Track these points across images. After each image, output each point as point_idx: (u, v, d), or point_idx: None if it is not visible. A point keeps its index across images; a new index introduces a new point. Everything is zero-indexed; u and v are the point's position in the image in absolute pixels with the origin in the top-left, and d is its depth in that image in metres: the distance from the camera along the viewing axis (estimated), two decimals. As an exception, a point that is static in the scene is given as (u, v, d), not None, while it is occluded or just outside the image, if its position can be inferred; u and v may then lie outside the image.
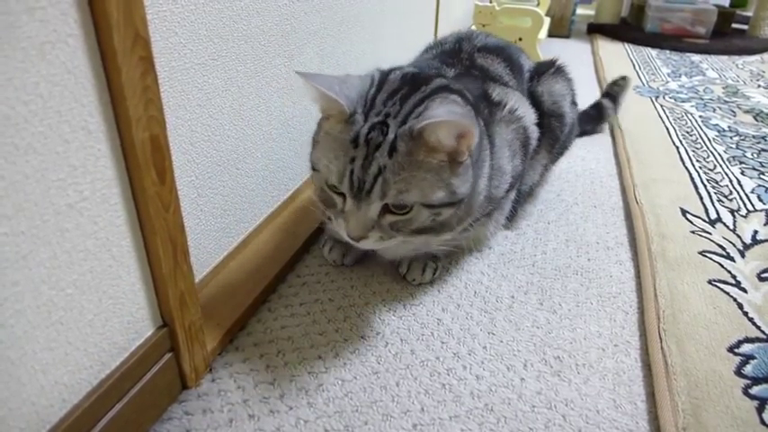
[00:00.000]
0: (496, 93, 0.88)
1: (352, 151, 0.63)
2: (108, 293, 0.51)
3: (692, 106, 1.76)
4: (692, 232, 1.00)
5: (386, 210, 0.65)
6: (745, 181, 1.23)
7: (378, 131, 0.63)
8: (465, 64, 0.94)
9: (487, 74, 0.93)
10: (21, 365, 0.43)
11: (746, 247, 0.97)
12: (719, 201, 1.13)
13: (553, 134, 1.05)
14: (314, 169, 0.70)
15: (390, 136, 0.62)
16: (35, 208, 0.42)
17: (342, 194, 0.66)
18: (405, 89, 0.67)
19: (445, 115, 0.61)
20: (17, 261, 0.42)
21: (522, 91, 1.01)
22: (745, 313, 0.79)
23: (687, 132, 1.52)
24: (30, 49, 0.39)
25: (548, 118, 1.04)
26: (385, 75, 0.70)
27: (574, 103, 1.11)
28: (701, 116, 1.66)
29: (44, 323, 0.45)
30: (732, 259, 0.92)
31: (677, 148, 1.40)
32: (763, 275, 0.88)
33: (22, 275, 0.42)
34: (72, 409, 0.49)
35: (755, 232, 1.02)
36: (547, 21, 2.32)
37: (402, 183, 0.62)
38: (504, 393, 0.65)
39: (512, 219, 1.01)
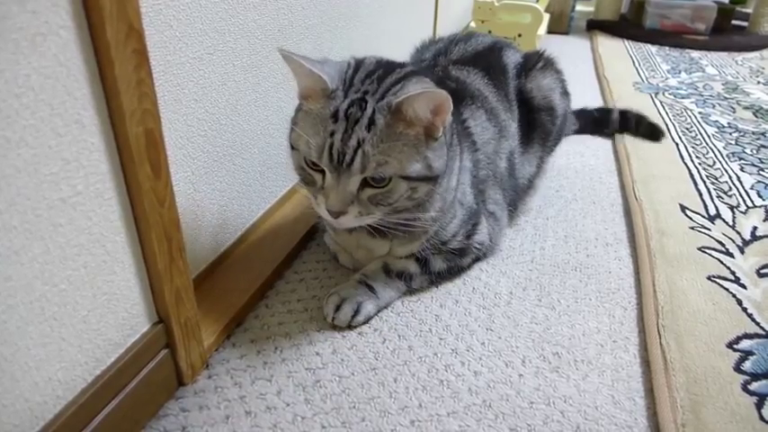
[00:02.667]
0: (470, 119, 0.89)
1: (331, 126, 0.65)
2: (102, 289, 0.51)
3: (691, 102, 1.75)
4: (692, 228, 1.00)
5: (365, 183, 0.66)
6: (745, 177, 1.22)
7: (357, 107, 0.65)
8: (439, 75, 0.95)
9: (465, 89, 0.93)
10: (14, 362, 0.43)
11: (746, 243, 0.96)
12: (719, 197, 1.13)
13: (544, 128, 1.06)
14: (293, 148, 0.71)
15: (369, 111, 0.65)
16: (27, 202, 0.42)
17: (321, 171, 0.67)
18: (380, 71, 0.70)
19: (422, 89, 0.64)
20: (9, 256, 0.41)
21: (508, 92, 1.01)
22: (745, 309, 0.78)
23: (686, 129, 1.51)
24: (21, 41, 0.39)
25: (538, 113, 1.04)
26: (360, 60, 0.73)
27: (565, 94, 1.12)
28: (700, 112, 1.66)
29: (37, 319, 0.44)
30: (731, 255, 0.92)
31: (677, 144, 1.40)
32: (762, 271, 0.88)
33: (14, 271, 0.42)
34: (66, 405, 0.49)
35: (755, 228, 1.01)
36: (546, 17, 2.31)
37: (381, 155, 0.64)
38: (502, 389, 0.65)
39: (511, 218, 1.01)
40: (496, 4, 2.05)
